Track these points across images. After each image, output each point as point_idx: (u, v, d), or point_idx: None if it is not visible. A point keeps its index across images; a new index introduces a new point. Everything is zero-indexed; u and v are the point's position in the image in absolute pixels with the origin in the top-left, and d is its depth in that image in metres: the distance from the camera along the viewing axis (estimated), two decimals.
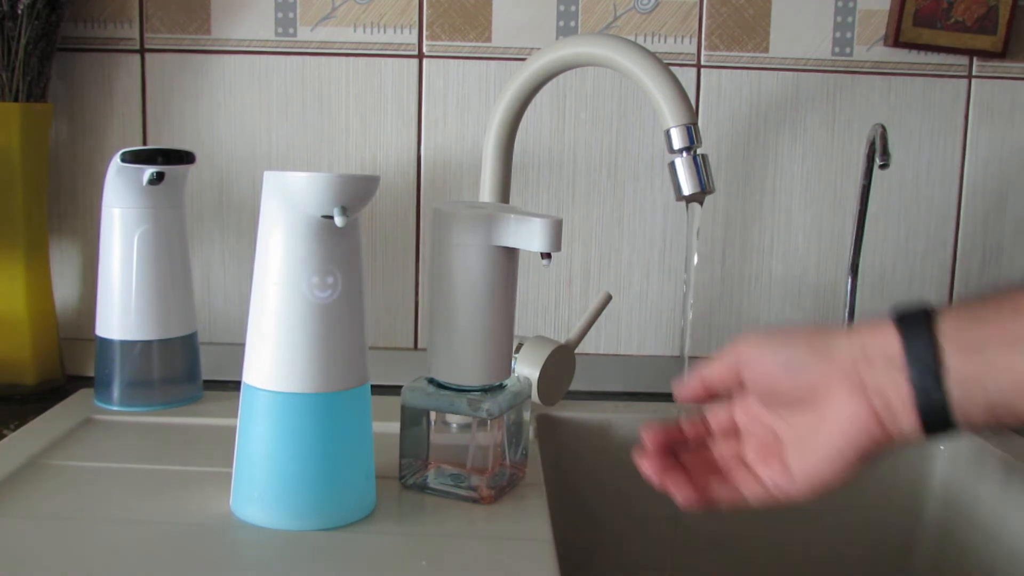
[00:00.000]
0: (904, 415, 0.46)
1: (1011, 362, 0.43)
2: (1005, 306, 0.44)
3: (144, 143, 0.94)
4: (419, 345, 0.97)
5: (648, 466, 0.53)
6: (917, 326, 0.45)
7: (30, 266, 0.87)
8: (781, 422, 0.52)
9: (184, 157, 0.79)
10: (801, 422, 0.50)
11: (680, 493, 0.52)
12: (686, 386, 0.55)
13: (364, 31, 0.93)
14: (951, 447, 0.87)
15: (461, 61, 0.93)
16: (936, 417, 0.45)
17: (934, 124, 0.96)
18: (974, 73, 0.95)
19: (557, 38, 0.93)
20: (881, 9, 0.93)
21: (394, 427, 0.65)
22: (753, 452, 0.53)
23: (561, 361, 0.80)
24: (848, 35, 0.94)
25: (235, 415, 0.59)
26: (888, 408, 0.46)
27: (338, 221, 0.53)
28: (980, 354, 0.43)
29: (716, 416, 0.55)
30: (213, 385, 0.85)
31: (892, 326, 0.47)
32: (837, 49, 0.94)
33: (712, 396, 0.54)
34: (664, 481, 0.52)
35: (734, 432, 0.55)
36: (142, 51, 0.93)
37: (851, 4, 0.93)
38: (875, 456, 0.48)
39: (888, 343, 0.46)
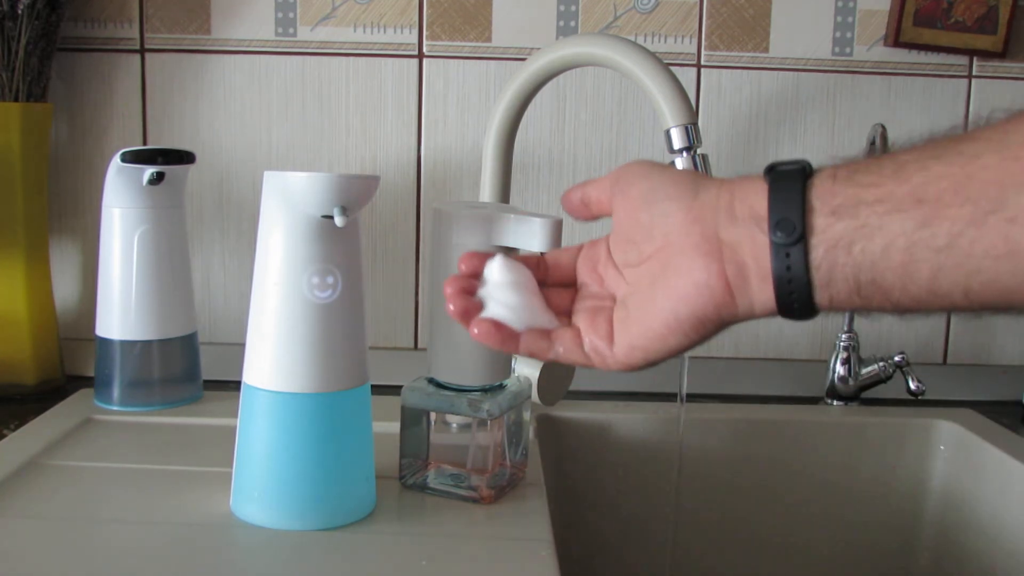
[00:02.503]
0: (757, 282, 0.41)
1: (884, 224, 0.37)
2: (886, 164, 0.39)
3: (144, 143, 0.94)
4: (419, 345, 0.97)
5: (451, 290, 0.47)
6: (789, 180, 0.40)
7: (30, 266, 0.87)
8: (621, 281, 0.46)
9: (184, 157, 0.79)
10: (642, 277, 0.44)
11: (478, 327, 0.46)
12: (569, 194, 0.49)
13: (364, 31, 0.93)
14: (951, 447, 0.87)
15: (461, 61, 0.93)
16: (794, 288, 0.40)
17: (934, 124, 0.95)
18: (974, 73, 0.95)
19: (557, 38, 0.93)
20: (881, 9, 0.93)
21: (394, 427, 0.65)
22: (583, 309, 0.47)
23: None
24: (848, 35, 0.94)
25: (235, 415, 0.59)
26: (741, 272, 0.41)
27: (338, 221, 0.53)
28: (852, 215, 0.38)
29: (559, 261, 0.50)
30: (213, 385, 0.85)
31: (763, 179, 0.41)
32: (837, 49, 0.94)
33: (590, 212, 0.49)
34: (459, 308, 0.47)
35: (571, 284, 0.50)
36: (142, 51, 0.93)
37: (851, 4, 0.93)
38: (714, 328, 0.42)
39: (756, 197, 0.41)
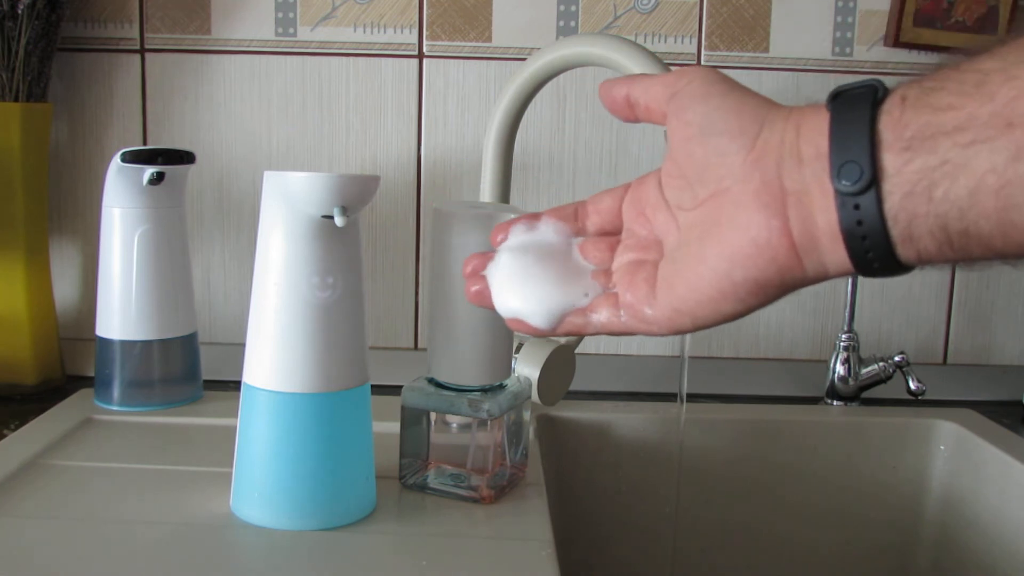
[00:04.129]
0: (828, 241, 0.34)
1: (968, 159, 0.30)
2: (968, 76, 0.31)
3: (144, 143, 0.94)
4: (419, 345, 0.97)
5: (471, 267, 0.42)
6: (853, 109, 0.33)
7: (30, 266, 0.87)
8: (672, 225, 0.39)
9: (184, 157, 0.79)
10: (694, 225, 0.37)
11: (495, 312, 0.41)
12: (611, 86, 0.41)
13: (364, 31, 0.93)
14: (951, 447, 0.87)
15: (461, 61, 0.93)
16: (869, 246, 0.33)
17: None
18: None
19: (557, 38, 0.93)
20: (881, 9, 0.93)
21: (394, 427, 0.65)
22: (624, 263, 0.40)
23: (561, 361, 0.80)
24: (848, 35, 0.94)
25: (235, 415, 0.59)
26: (807, 228, 0.34)
27: (338, 221, 0.53)
28: (929, 150, 0.31)
29: (600, 205, 0.43)
30: (213, 385, 0.85)
31: (825, 106, 0.34)
32: (837, 49, 0.94)
33: (633, 115, 0.41)
34: (474, 293, 0.42)
35: (613, 232, 0.42)
36: (142, 51, 0.93)
37: (851, 4, 0.93)
38: (776, 293, 0.36)
39: (820, 132, 0.33)
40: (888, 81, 0.34)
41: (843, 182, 0.32)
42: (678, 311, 0.37)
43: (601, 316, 0.40)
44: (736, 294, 0.36)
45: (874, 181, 0.32)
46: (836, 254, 0.34)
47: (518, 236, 0.43)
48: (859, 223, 0.32)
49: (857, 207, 0.32)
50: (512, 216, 0.45)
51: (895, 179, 0.31)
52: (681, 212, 0.38)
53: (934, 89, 0.32)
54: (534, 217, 0.44)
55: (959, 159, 0.30)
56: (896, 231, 0.32)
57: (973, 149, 0.30)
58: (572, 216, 0.43)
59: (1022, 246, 0.31)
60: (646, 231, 0.41)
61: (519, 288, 0.41)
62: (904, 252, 0.33)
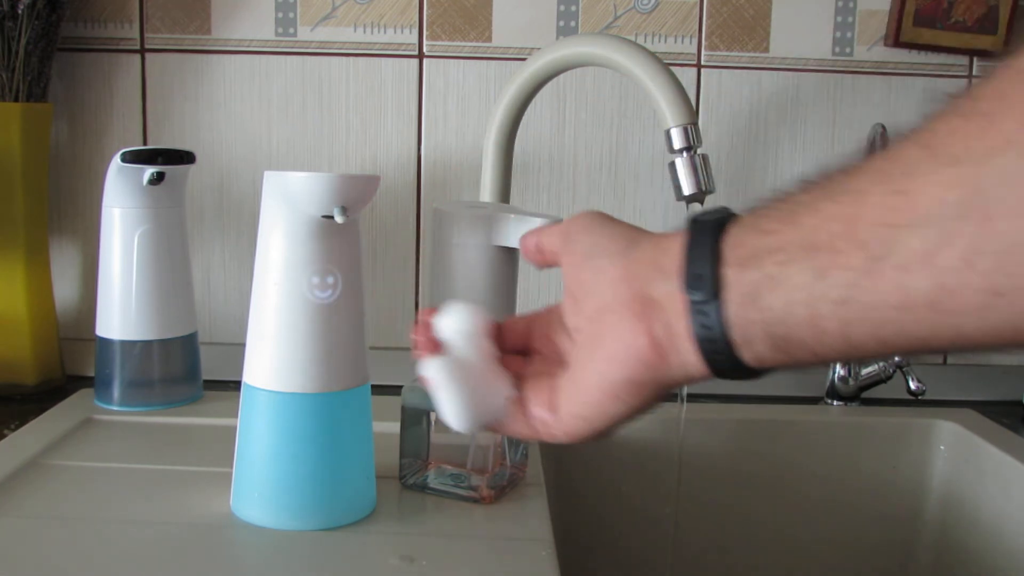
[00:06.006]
0: (685, 342, 0.37)
1: (783, 276, 0.34)
2: (785, 206, 0.35)
3: (144, 143, 0.94)
4: None
5: (418, 337, 0.46)
6: (704, 231, 0.37)
7: (30, 266, 0.87)
8: (569, 343, 0.44)
9: (184, 157, 0.79)
10: (584, 339, 0.42)
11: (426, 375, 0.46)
12: (525, 238, 0.47)
13: (364, 31, 0.93)
14: (951, 447, 0.87)
15: (461, 61, 0.93)
16: (717, 347, 0.37)
17: None
18: (974, 73, 0.95)
19: (557, 38, 0.93)
20: (881, 9, 0.93)
21: (394, 427, 0.65)
22: (530, 375, 0.45)
23: None
24: (848, 35, 0.94)
25: (235, 415, 0.59)
26: (668, 331, 0.38)
27: (338, 221, 0.53)
28: (756, 266, 0.35)
29: (515, 327, 0.48)
30: (213, 385, 0.85)
31: (684, 231, 0.39)
32: (837, 49, 0.94)
33: (544, 260, 0.46)
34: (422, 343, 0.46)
35: (522, 351, 0.48)
36: (142, 51, 0.93)
37: (851, 4, 0.93)
38: (652, 392, 0.40)
39: (677, 250, 0.38)
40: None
41: (693, 292, 0.37)
42: (574, 416, 0.42)
43: (515, 426, 0.45)
44: (617, 394, 0.40)
45: (717, 291, 0.36)
46: (691, 355, 0.38)
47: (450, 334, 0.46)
48: (705, 327, 0.37)
49: (704, 313, 0.36)
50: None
51: (733, 289, 0.36)
52: (576, 332, 0.43)
53: (763, 216, 0.36)
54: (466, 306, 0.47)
55: (777, 275, 0.34)
56: (735, 334, 0.36)
57: (787, 267, 0.34)
58: (493, 331, 0.47)
59: (837, 351, 0.35)
60: (550, 351, 0.46)
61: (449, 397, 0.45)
62: (745, 354, 0.36)
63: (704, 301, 0.36)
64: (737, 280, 0.36)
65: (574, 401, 0.41)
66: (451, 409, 0.45)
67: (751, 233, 0.36)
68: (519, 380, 0.45)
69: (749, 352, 0.36)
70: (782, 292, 0.34)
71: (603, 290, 0.40)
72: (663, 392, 0.40)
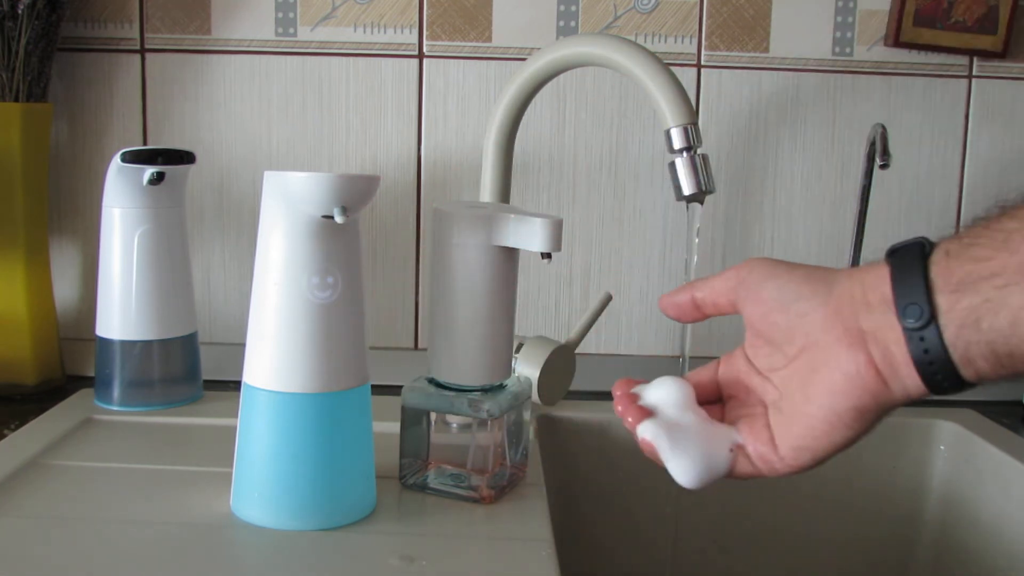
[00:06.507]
0: (905, 366, 0.41)
1: (1004, 298, 0.37)
2: (996, 235, 0.39)
3: (144, 143, 0.94)
4: (419, 345, 0.97)
5: (624, 409, 0.49)
6: (909, 260, 0.41)
7: (30, 266, 0.87)
8: (769, 386, 0.47)
9: (184, 157, 0.79)
10: (791, 378, 0.45)
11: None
12: (675, 296, 0.49)
13: (364, 31, 0.93)
14: (951, 447, 0.87)
15: (461, 61, 0.93)
16: (936, 368, 0.40)
17: (934, 124, 0.96)
18: (974, 73, 0.95)
19: (557, 38, 0.93)
20: (881, 9, 0.93)
21: (394, 427, 0.65)
22: (738, 419, 0.48)
23: (561, 361, 0.80)
24: (848, 35, 0.94)
25: (235, 415, 0.59)
26: (887, 358, 0.41)
27: (338, 221, 0.53)
28: (973, 292, 0.38)
29: (700, 379, 0.51)
30: (213, 385, 0.85)
31: (885, 262, 0.42)
32: (837, 49, 0.94)
33: (701, 314, 0.49)
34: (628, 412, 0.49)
35: (716, 400, 0.50)
36: (142, 51, 0.93)
37: (851, 4, 0.93)
38: (875, 416, 0.43)
39: (884, 282, 0.41)
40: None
41: (908, 320, 0.40)
42: (798, 448, 0.44)
43: (739, 469, 0.47)
44: (843, 422, 0.43)
45: (933, 318, 0.39)
46: (912, 378, 0.41)
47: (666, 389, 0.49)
48: (926, 351, 0.40)
49: (923, 339, 0.40)
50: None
51: (949, 315, 0.39)
52: (773, 373, 0.46)
53: (971, 244, 0.39)
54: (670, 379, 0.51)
55: (997, 298, 0.38)
56: (956, 356, 0.39)
57: (1007, 290, 0.37)
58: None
59: None
60: (745, 394, 0.48)
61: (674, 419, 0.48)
62: (966, 372, 0.40)
63: (921, 328, 0.39)
64: (952, 306, 0.39)
65: (796, 435, 0.44)
66: (680, 467, 0.47)
67: (962, 261, 0.39)
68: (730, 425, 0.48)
69: (970, 369, 0.40)
70: (1006, 313, 0.38)
71: (808, 330, 0.43)
72: (884, 415, 0.43)
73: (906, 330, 0.40)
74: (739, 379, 0.49)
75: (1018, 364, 0.39)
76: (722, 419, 0.49)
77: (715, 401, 0.50)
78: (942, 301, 0.39)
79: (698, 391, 0.50)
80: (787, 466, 0.45)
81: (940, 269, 0.40)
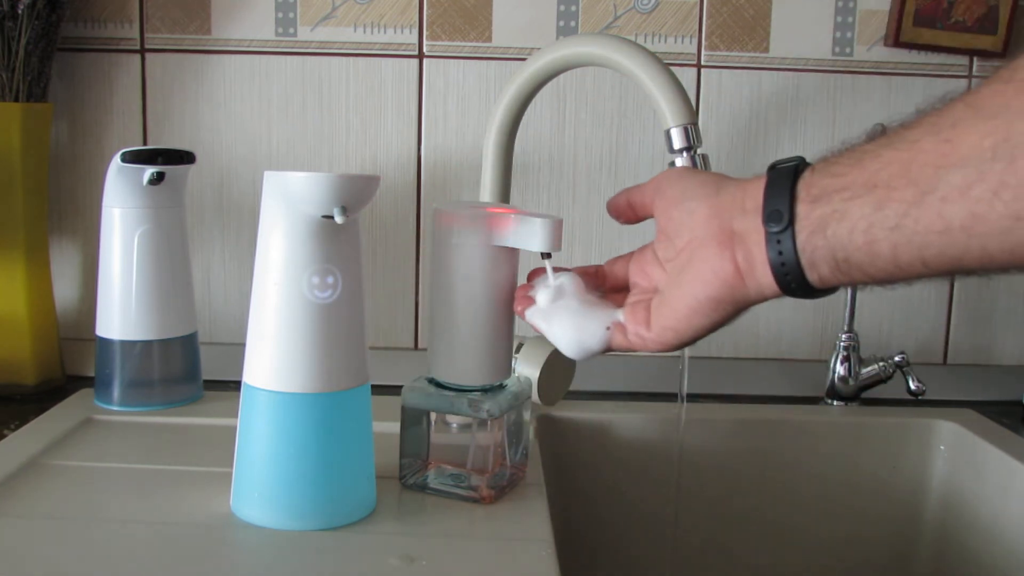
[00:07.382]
0: (761, 267, 0.46)
1: (848, 209, 0.42)
2: (853, 154, 0.44)
3: (144, 143, 0.94)
4: (419, 345, 0.97)
5: (518, 302, 0.57)
6: (783, 176, 0.46)
7: (30, 266, 0.87)
8: (663, 274, 0.53)
9: (184, 157, 0.79)
10: (675, 267, 0.51)
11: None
12: (615, 199, 0.57)
13: (364, 31, 0.93)
14: (951, 447, 0.87)
15: (461, 61, 0.93)
16: (788, 270, 0.45)
17: None
18: (974, 73, 0.95)
19: (557, 38, 0.93)
20: (881, 9, 0.93)
21: (394, 427, 0.65)
22: (630, 303, 0.54)
23: (561, 361, 0.80)
24: (848, 35, 0.94)
25: (235, 415, 0.59)
26: (748, 259, 0.46)
27: (338, 221, 0.53)
28: (825, 203, 0.43)
29: (614, 269, 0.58)
30: (213, 385, 0.85)
31: (764, 176, 0.47)
32: (837, 49, 0.94)
33: (635, 215, 0.56)
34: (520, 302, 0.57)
35: (624, 287, 0.57)
36: (142, 51, 0.93)
37: (851, 4, 0.93)
38: (731, 308, 0.48)
39: (758, 191, 0.46)
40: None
41: (771, 225, 0.45)
42: (664, 328, 0.51)
43: (615, 342, 0.54)
44: (702, 309, 0.49)
45: (790, 223, 0.44)
46: (766, 277, 0.46)
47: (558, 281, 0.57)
48: (780, 253, 0.45)
49: (779, 242, 0.45)
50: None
51: (803, 222, 0.44)
52: (667, 263, 0.52)
53: (833, 163, 0.44)
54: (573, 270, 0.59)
55: (842, 208, 0.42)
56: (804, 259, 0.44)
57: (852, 202, 0.42)
58: (594, 275, 0.58)
59: (887, 272, 0.42)
60: (646, 282, 0.55)
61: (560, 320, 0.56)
62: (811, 276, 0.45)
63: (780, 231, 0.45)
64: (808, 214, 0.44)
65: (666, 316, 0.50)
66: (557, 341, 0.55)
67: (823, 176, 0.44)
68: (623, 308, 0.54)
69: (815, 273, 0.45)
70: (846, 222, 0.42)
71: (694, 226, 0.49)
72: (740, 309, 0.49)
73: (768, 234, 0.45)
74: (643, 268, 0.55)
75: (853, 271, 0.43)
76: (622, 303, 0.55)
77: (624, 288, 0.57)
78: (800, 209, 0.44)
79: (610, 279, 0.58)
80: (654, 342, 0.51)
81: (804, 183, 0.44)
